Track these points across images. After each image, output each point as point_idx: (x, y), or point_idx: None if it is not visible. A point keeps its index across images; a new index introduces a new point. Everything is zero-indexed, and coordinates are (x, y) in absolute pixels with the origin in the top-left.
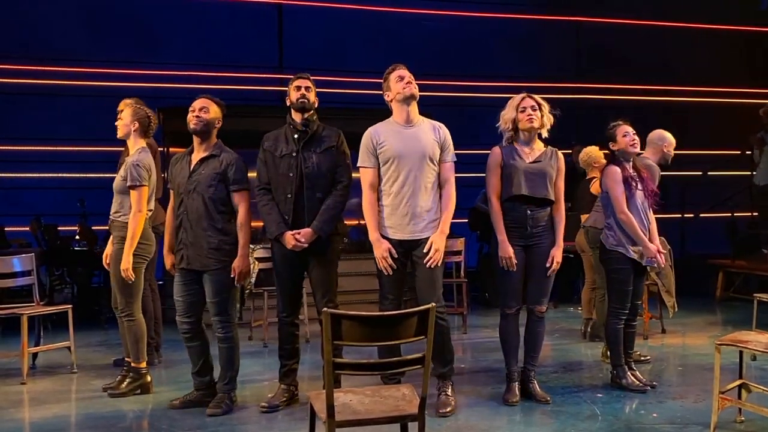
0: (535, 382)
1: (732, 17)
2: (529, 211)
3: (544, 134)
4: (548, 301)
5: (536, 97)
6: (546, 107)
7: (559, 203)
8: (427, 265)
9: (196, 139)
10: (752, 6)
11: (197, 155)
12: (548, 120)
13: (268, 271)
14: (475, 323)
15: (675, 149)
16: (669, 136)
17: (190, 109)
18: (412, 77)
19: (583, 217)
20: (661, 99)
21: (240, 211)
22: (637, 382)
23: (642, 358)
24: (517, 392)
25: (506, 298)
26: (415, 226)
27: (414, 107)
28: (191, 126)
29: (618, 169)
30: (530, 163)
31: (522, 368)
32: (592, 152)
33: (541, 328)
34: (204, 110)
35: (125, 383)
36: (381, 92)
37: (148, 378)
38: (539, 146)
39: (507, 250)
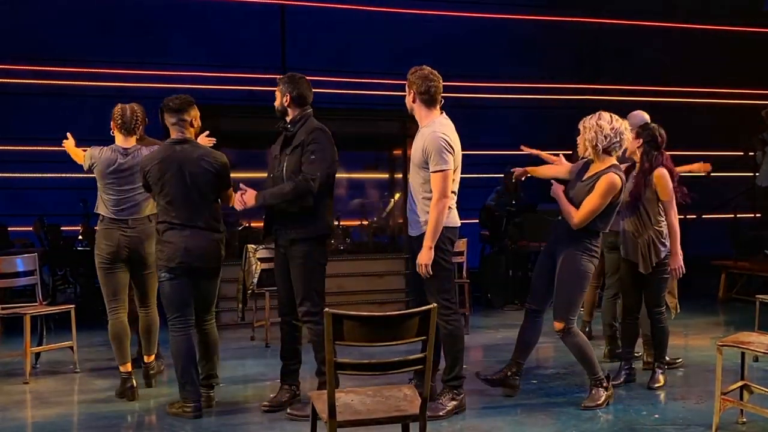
0: (594, 390)
1: (735, 18)
2: (559, 217)
3: (584, 154)
4: (566, 318)
5: (584, 119)
6: (585, 128)
7: (575, 212)
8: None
9: None
10: (755, 7)
11: None
12: (589, 142)
13: (270, 272)
14: (477, 324)
15: (678, 150)
16: (647, 116)
17: None
18: (407, 86)
19: None
20: (663, 100)
21: None
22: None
23: (672, 361)
24: (496, 376)
25: (529, 293)
26: (409, 224)
27: (419, 113)
28: None
29: None
30: (580, 182)
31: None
32: None
33: (569, 346)
34: None
35: (117, 387)
36: (384, 92)
37: (134, 383)
38: (600, 166)
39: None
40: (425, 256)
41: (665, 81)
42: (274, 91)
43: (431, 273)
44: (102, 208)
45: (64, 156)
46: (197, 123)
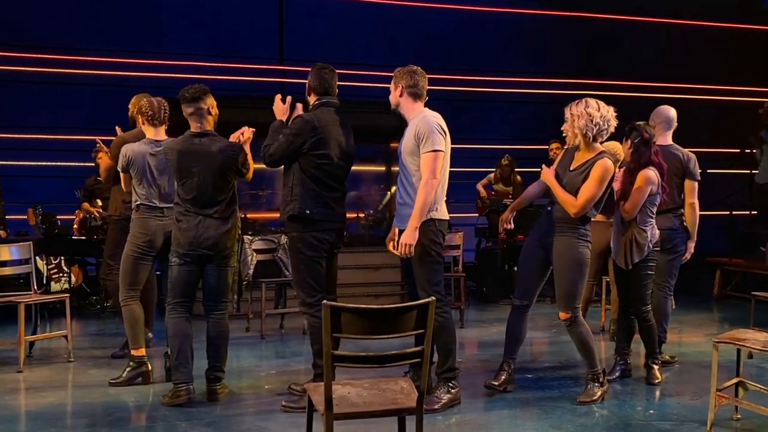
0: (590, 385)
1: (733, 16)
2: (549, 208)
3: (572, 142)
4: (572, 307)
5: (571, 106)
6: (573, 116)
7: (573, 201)
8: (398, 253)
9: None
10: (753, 5)
11: None
12: (579, 129)
13: (266, 263)
14: (472, 318)
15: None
16: (674, 112)
17: None
18: (393, 83)
19: (599, 216)
20: (662, 96)
21: None
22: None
23: (671, 359)
24: (501, 378)
25: (516, 288)
26: (399, 217)
27: (406, 107)
28: None
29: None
30: (570, 171)
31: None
32: (608, 147)
33: (573, 336)
34: None
35: (125, 372)
36: (382, 85)
37: (149, 366)
38: (589, 153)
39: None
40: (410, 236)
41: (665, 77)
42: (271, 81)
43: (412, 254)
44: (137, 198)
45: (59, 144)
46: (214, 111)
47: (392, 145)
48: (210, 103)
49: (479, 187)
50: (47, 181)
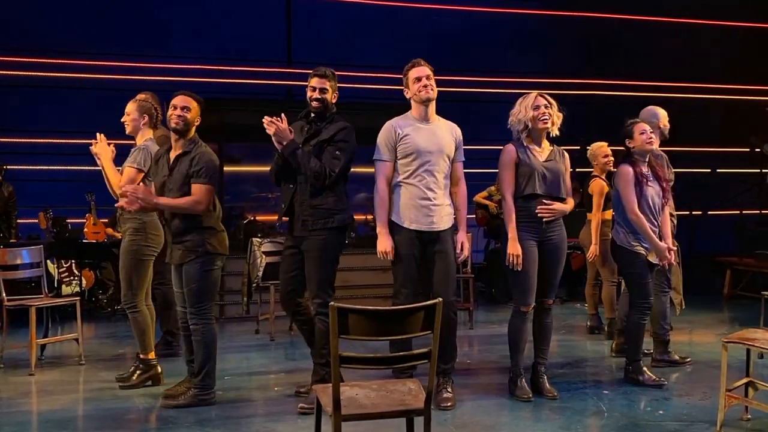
0: (545, 376)
1: (741, 14)
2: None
3: (555, 132)
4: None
5: (546, 95)
6: (555, 105)
7: (569, 200)
8: (458, 260)
9: (173, 136)
10: (763, 3)
11: (174, 152)
12: (558, 118)
13: (275, 265)
14: (481, 319)
15: (685, 146)
16: (661, 111)
17: (171, 105)
18: (431, 76)
19: (589, 215)
20: (669, 95)
21: (188, 197)
22: (654, 378)
23: (681, 360)
24: (528, 387)
25: (524, 295)
26: (432, 218)
27: (432, 106)
28: (172, 125)
29: (630, 169)
30: (544, 162)
31: (532, 363)
32: (593, 149)
33: (550, 319)
34: (186, 109)
35: (135, 375)
36: (390, 87)
37: (159, 369)
38: (547, 145)
39: (516, 248)
40: (468, 243)
41: (671, 77)
42: (279, 84)
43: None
44: None
45: (68, 148)
46: None
47: None
48: None
49: (479, 199)
50: (57, 185)
